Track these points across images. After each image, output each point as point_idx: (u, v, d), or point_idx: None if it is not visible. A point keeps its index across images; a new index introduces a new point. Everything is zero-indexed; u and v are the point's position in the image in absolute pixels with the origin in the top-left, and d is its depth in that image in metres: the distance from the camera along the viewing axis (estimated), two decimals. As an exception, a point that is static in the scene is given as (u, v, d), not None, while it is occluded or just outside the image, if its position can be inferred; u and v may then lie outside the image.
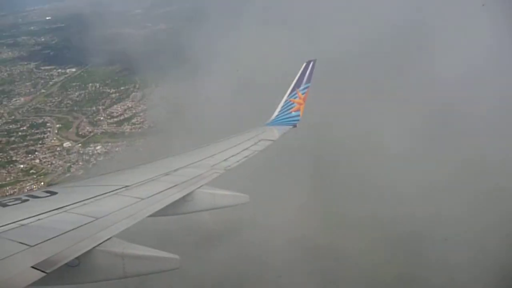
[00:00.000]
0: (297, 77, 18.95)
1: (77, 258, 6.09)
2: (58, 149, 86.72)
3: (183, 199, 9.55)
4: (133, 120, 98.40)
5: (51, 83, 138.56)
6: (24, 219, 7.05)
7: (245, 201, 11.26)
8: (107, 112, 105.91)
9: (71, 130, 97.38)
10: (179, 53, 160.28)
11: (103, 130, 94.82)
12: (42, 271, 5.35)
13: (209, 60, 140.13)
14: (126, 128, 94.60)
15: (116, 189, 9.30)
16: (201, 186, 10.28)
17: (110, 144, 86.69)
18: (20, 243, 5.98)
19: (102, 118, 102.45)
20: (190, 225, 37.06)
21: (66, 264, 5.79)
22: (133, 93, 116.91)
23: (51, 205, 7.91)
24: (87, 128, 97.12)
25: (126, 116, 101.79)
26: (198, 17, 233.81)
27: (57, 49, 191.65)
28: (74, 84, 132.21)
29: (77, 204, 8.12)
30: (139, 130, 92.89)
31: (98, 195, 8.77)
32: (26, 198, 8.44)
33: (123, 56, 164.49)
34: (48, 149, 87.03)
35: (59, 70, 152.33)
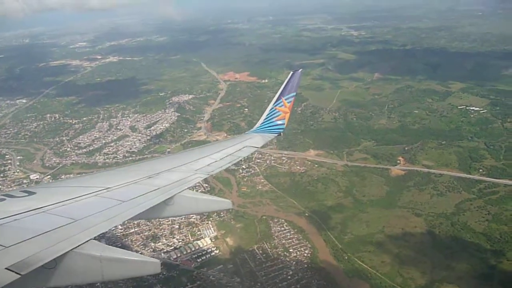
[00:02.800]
0: (283, 86, 18.71)
1: (53, 260, 5.90)
2: (24, 181, 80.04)
3: (165, 203, 9.33)
4: (105, 150, 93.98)
5: (0, 114, 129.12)
6: (0, 219, 6.86)
7: (227, 207, 11.24)
8: (73, 142, 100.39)
9: (35, 161, 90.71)
10: (137, 83, 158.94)
11: (73, 161, 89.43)
12: (17, 273, 5.25)
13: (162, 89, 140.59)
14: (99, 158, 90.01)
15: (96, 191, 9.09)
16: (183, 190, 10.07)
17: (84, 174, 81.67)
18: None
19: (68, 149, 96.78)
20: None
21: (42, 266, 5.66)
22: (99, 124, 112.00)
23: (28, 205, 7.70)
24: (54, 159, 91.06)
25: (95, 146, 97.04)
26: (144, 50, 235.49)
27: (0, 80, 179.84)
28: (28, 115, 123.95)
29: (55, 205, 7.92)
30: (113, 160, 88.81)
31: (78, 196, 8.57)
32: (3, 197, 8.13)
33: (77, 88, 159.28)
34: (13, 182, 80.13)
35: (8, 102, 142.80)
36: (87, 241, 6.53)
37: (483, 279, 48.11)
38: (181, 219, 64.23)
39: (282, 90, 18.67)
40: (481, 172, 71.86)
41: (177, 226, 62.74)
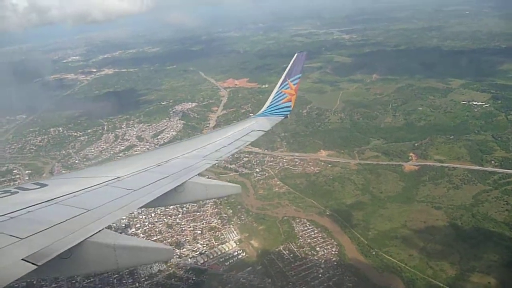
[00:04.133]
0: (288, 68, 18.53)
1: (68, 250, 5.98)
2: (37, 195, 79.34)
3: (175, 190, 9.47)
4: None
5: (2, 130, 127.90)
6: (14, 211, 6.97)
7: (237, 192, 11.53)
8: (81, 154, 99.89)
9: (44, 175, 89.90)
10: (136, 94, 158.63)
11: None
12: (34, 264, 5.33)
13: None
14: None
15: (107, 181, 9.23)
16: (193, 176, 10.20)
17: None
18: (11, 235, 5.91)
19: (77, 161, 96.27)
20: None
21: (57, 256, 5.74)
22: (104, 135, 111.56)
23: (41, 197, 7.84)
24: (63, 172, 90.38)
25: (104, 157, 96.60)
26: (139, 62, 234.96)
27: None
28: (31, 130, 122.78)
29: (68, 196, 8.04)
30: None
31: (90, 187, 8.73)
32: (16, 190, 8.27)
33: (77, 101, 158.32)
34: (25, 196, 79.29)
35: (8, 117, 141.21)
36: (101, 230, 6.63)
37: (512, 266, 48.93)
38: (203, 224, 64.33)
39: (288, 72, 18.58)
40: (493, 164, 73.13)
41: (200, 231, 62.68)
